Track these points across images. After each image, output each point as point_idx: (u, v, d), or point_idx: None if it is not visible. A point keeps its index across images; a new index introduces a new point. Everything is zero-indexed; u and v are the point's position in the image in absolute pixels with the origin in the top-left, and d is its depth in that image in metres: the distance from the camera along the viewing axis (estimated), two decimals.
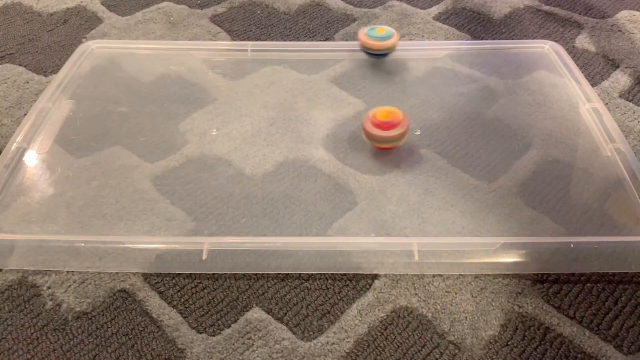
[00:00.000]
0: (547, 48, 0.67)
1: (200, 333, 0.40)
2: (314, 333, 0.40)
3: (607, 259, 0.44)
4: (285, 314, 0.42)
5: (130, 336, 0.40)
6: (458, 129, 0.56)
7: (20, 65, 0.66)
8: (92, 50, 0.66)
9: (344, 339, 0.40)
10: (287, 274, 0.44)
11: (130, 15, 0.75)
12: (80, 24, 0.73)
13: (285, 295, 0.43)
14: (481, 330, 0.40)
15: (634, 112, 0.59)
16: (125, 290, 0.43)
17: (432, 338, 0.40)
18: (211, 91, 0.61)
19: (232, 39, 0.71)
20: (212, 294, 0.43)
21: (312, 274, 0.44)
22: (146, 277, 0.44)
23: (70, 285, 0.43)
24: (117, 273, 0.44)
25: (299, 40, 0.70)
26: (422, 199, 0.49)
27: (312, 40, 0.70)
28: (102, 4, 0.77)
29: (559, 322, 0.41)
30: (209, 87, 0.61)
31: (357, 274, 0.44)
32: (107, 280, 0.44)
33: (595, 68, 0.66)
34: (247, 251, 0.44)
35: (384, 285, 0.43)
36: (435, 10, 0.76)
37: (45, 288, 0.43)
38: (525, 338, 0.40)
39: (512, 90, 0.61)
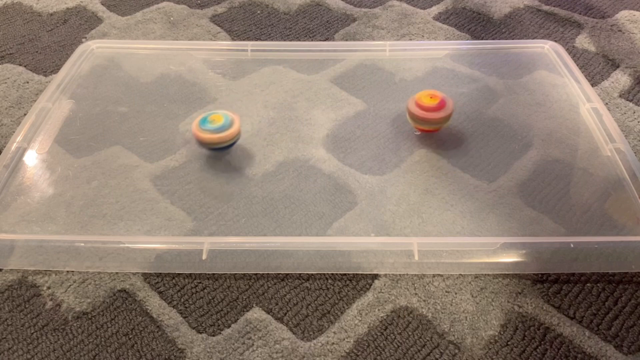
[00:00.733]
0: (547, 48, 0.67)
1: (200, 333, 0.40)
2: (314, 333, 0.40)
3: (607, 259, 0.44)
4: (285, 314, 0.42)
5: (130, 336, 0.40)
6: (458, 129, 0.56)
7: (20, 65, 0.66)
8: (92, 50, 0.66)
9: (344, 339, 0.40)
10: (287, 274, 0.44)
11: (130, 15, 0.75)
12: (80, 24, 0.73)
13: (285, 295, 0.43)
14: (481, 330, 0.40)
15: (634, 112, 0.59)
16: (125, 290, 0.43)
17: (432, 338, 0.40)
18: (211, 91, 0.61)
19: (232, 39, 0.71)
20: (212, 294, 0.43)
21: (312, 274, 0.44)
22: (146, 277, 0.44)
23: (70, 285, 0.43)
24: (117, 273, 0.44)
25: (299, 40, 0.70)
26: (422, 199, 0.49)
27: (312, 40, 0.70)
28: (102, 4, 0.77)
29: (559, 322, 0.41)
30: (209, 87, 0.61)
31: (357, 274, 0.44)
32: (107, 280, 0.44)
33: (595, 68, 0.66)
34: (247, 251, 0.44)
35: (384, 285, 0.43)
36: (435, 10, 0.76)
37: (45, 288, 0.43)
38: (525, 338, 0.40)
39: (512, 90, 0.61)
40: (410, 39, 0.70)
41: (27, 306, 0.42)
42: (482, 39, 0.70)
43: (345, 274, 0.44)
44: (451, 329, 0.40)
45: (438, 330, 0.40)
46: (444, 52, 0.66)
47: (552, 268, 0.44)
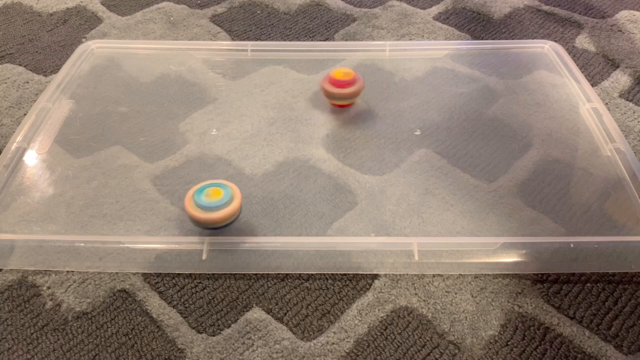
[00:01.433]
0: (547, 48, 0.67)
1: (200, 333, 0.40)
2: (314, 333, 0.40)
3: (607, 259, 0.44)
4: (285, 314, 0.42)
5: (130, 336, 0.40)
6: (458, 129, 0.56)
7: (20, 65, 0.66)
8: (92, 50, 0.66)
9: (344, 339, 0.40)
10: (287, 274, 0.44)
11: (130, 15, 0.75)
12: (80, 24, 0.73)
13: (285, 295, 0.43)
14: (481, 330, 0.40)
15: (634, 112, 0.59)
16: (125, 290, 0.43)
17: (432, 338, 0.40)
18: (211, 91, 0.61)
19: (232, 39, 0.71)
20: (212, 294, 0.43)
21: (312, 274, 0.44)
22: (146, 277, 0.44)
23: (70, 285, 0.43)
24: (117, 273, 0.44)
25: (299, 40, 0.70)
26: (422, 199, 0.49)
27: (312, 40, 0.70)
28: (102, 4, 0.77)
29: (559, 322, 0.41)
30: (209, 87, 0.61)
31: (357, 274, 0.44)
32: (107, 280, 0.44)
33: (595, 68, 0.66)
34: (247, 251, 0.44)
35: (384, 285, 0.43)
36: (435, 10, 0.76)
37: (45, 288, 0.43)
38: (525, 338, 0.40)
39: (512, 90, 0.61)
40: (410, 39, 0.70)
41: (27, 306, 0.42)
42: (482, 39, 0.70)
43: (345, 274, 0.44)
44: (451, 329, 0.40)
45: (438, 330, 0.40)
46: (444, 52, 0.66)
47: (552, 268, 0.44)
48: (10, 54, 0.68)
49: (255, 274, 0.44)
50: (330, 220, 0.47)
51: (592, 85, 0.62)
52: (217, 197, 0.42)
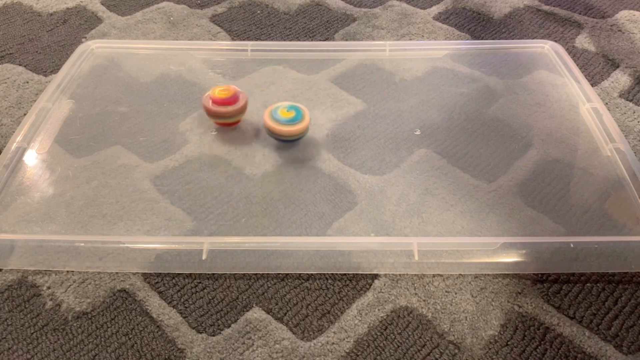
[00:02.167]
0: (547, 48, 0.67)
1: (200, 333, 0.40)
2: (314, 333, 0.40)
3: (607, 259, 0.44)
4: (285, 313, 0.42)
5: (130, 336, 0.40)
6: (458, 129, 0.56)
7: (20, 65, 0.66)
8: (92, 50, 0.66)
9: (344, 339, 0.40)
10: (287, 274, 0.44)
11: (130, 15, 0.75)
12: (80, 24, 0.73)
13: (285, 295, 0.43)
14: (481, 330, 0.40)
15: (634, 112, 0.59)
16: (125, 290, 0.43)
17: (432, 338, 0.40)
18: None
19: (232, 39, 0.71)
20: (212, 294, 0.43)
21: (312, 274, 0.44)
22: (146, 277, 0.44)
23: (70, 285, 0.43)
24: (117, 273, 0.44)
25: (299, 40, 0.70)
26: (422, 199, 0.49)
27: (312, 40, 0.70)
28: (102, 4, 0.77)
29: (559, 322, 0.41)
30: (209, 87, 0.61)
31: (357, 273, 0.44)
32: (107, 280, 0.44)
33: (595, 68, 0.66)
34: (247, 251, 0.44)
35: (384, 285, 0.43)
36: (435, 10, 0.76)
37: (45, 288, 0.43)
38: (525, 338, 0.40)
39: (512, 90, 0.61)
40: (410, 39, 0.70)
41: (27, 306, 0.42)
42: (482, 39, 0.70)
43: (345, 274, 0.44)
44: (451, 329, 0.40)
45: (438, 330, 0.40)
46: (444, 52, 0.66)
47: (552, 268, 0.44)
48: (10, 54, 0.68)
49: (255, 274, 0.44)
50: (330, 220, 0.47)
51: (592, 85, 0.62)
52: (292, 114, 0.52)
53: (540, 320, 0.41)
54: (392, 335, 0.40)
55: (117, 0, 0.78)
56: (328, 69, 0.64)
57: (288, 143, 0.54)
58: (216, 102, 0.53)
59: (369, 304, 0.42)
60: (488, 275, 0.44)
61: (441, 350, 0.39)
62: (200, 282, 0.43)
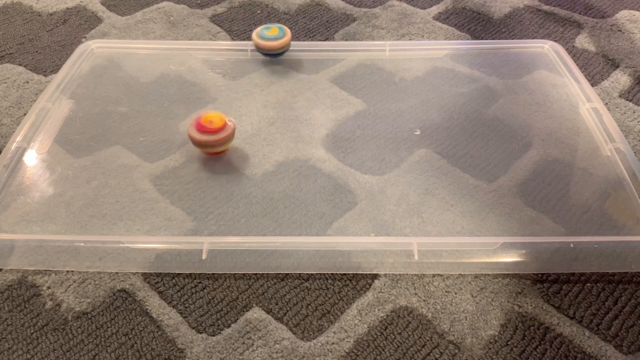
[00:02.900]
0: (547, 48, 0.67)
1: (200, 333, 0.40)
2: (313, 333, 0.40)
3: (607, 259, 0.44)
4: (285, 313, 0.42)
5: (130, 336, 0.40)
6: (458, 129, 0.56)
7: (20, 65, 0.66)
8: (92, 50, 0.66)
9: (343, 339, 0.40)
10: (287, 274, 0.44)
11: (130, 15, 0.75)
12: (80, 24, 0.73)
13: (285, 295, 0.43)
14: (481, 330, 0.40)
15: (634, 112, 0.59)
16: (125, 290, 0.43)
17: (432, 338, 0.40)
18: (211, 91, 0.61)
19: (232, 39, 0.71)
20: (212, 294, 0.43)
21: (312, 274, 0.44)
22: (146, 277, 0.44)
23: (70, 285, 0.43)
24: (117, 273, 0.44)
25: (299, 40, 0.70)
26: (422, 199, 0.49)
27: (312, 40, 0.70)
28: (102, 4, 0.77)
29: (558, 322, 0.41)
30: (209, 87, 0.61)
31: (357, 273, 0.44)
32: (107, 280, 0.44)
33: (595, 68, 0.66)
34: (247, 251, 0.44)
35: (384, 285, 0.43)
36: (435, 10, 0.76)
37: (45, 288, 0.43)
38: (525, 338, 0.40)
39: (512, 90, 0.61)
40: (410, 39, 0.70)
41: (27, 306, 0.42)
42: (482, 39, 0.70)
43: (345, 274, 0.44)
44: (451, 329, 0.40)
45: (438, 330, 0.40)
46: (443, 52, 0.66)
47: (552, 268, 0.44)
48: (10, 53, 0.68)
49: (255, 274, 0.44)
50: (330, 220, 0.47)
51: (592, 85, 0.62)
52: (276, 32, 0.62)
53: (540, 320, 0.41)
54: (392, 335, 0.40)
55: (117, 0, 0.78)
56: (328, 69, 0.64)
57: (273, 57, 0.63)
58: (200, 129, 0.50)
59: (369, 304, 0.42)
60: (488, 275, 0.44)
61: (441, 350, 0.39)
62: (200, 282, 0.43)
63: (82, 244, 0.44)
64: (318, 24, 0.73)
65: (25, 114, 0.58)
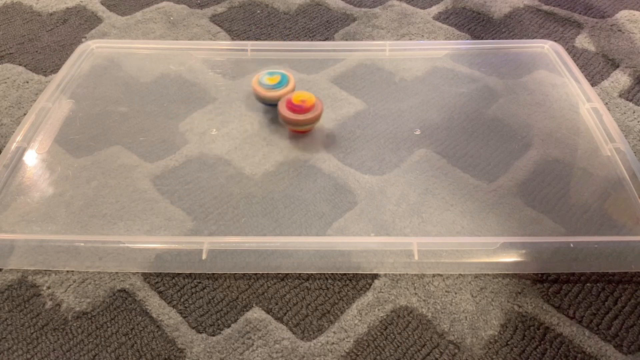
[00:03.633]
0: (546, 48, 0.67)
1: (200, 333, 0.40)
2: (313, 333, 0.40)
3: (607, 259, 0.44)
4: (285, 313, 0.42)
5: (130, 336, 0.40)
6: (458, 129, 0.56)
7: (20, 65, 0.66)
8: (92, 50, 0.66)
9: (343, 339, 0.40)
10: (287, 274, 0.44)
11: (130, 15, 0.75)
12: (80, 24, 0.73)
13: (285, 295, 0.43)
14: (481, 330, 0.40)
15: (634, 112, 0.59)
16: (125, 290, 0.43)
17: (432, 338, 0.40)
18: (211, 91, 0.61)
19: (232, 39, 0.71)
20: (212, 294, 0.43)
21: (312, 274, 0.44)
22: (146, 276, 0.44)
23: (70, 285, 0.43)
24: (117, 273, 0.44)
25: (299, 40, 0.70)
26: (422, 199, 0.49)
27: (312, 40, 0.70)
28: (102, 4, 0.77)
29: (558, 322, 0.41)
30: (209, 87, 0.61)
31: (357, 273, 0.44)
32: (107, 280, 0.44)
33: (595, 68, 0.66)
34: (247, 251, 0.44)
35: (384, 285, 0.43)
36: (435, 10, 0.76)
37: (45, 288, 0.43)
38: (525, 338, 0.40)
39: (512, 90, 0.61)
40: (410, 39, 0.70)
41: (27, 306, 0.42)
42: (482, 39, 0.70)
43: (345, 274, 0.44)
44: (451, 329, 0.40)
45: (438, 330, 0.40)
46: (444, 52, 0.66)
47: (552, 268, 0.44)
48: (10, 53, 0.68)
49: (255, 274, 0.44)
50: (330, 220, 0.47)
51: (592, 85, 0.62)
52: (277, 80, 0.55)
53: (540, 320, 0.41)
54: (392, 335, 0.40)
55: (117, 0, 0.78)
56: (328, 69, 0.64)
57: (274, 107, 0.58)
58: (291, 108, 0.52)
59: (369, 304, 0.42)
60: (488, 275, 0.44)
61: (441, 350, 0.39)
62: (200, 282, 0.43)
63: (82, 244, 0.44)
64: (318, 24, 0.73)
65: (25, 114, 0.58)
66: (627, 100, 0.61)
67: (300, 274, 0.44)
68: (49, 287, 0.43)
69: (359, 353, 0.39)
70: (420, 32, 0.71)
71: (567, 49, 0.67)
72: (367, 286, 0.43)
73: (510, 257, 0.44)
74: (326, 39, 0.71)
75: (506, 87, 0.61)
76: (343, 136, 0.55)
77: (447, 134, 0.55)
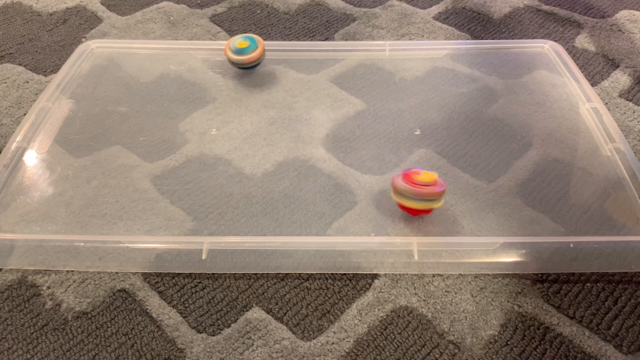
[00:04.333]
0: (546, 48, 0.67)
1: (200, 333, 0.40)
2: (313, 333, 0.40)
3: (607, 259, 0.44)
4: (285, 313, 0.42)
5: (130, 336, 0.40)
6: (458, 129, 0.56)
7: (20, 65, 0.66)
8: (92, 50, 0.66)
9: (343, 339, 0.40)
10: (287, 274, 0.44)
11: (130, 15, 0.75)
12: (80, 24, 0.73)
13: (285, 295, 0.43)
14: (481, 330, 0.40)
15: (634, 112, 0.59)
16: (125, 290, 0.43)
17: (432, 338, 0.40)
18: (211, 91, 0.61)
19: None
20: (212, 294, 0.43)
21: (312, 274, 0.44)
22: (146, 276, 0.44)
23: (70, 285, 0.43)
24: (117, 273, 0.44)
25: (299, 40, 0.70)
26: None
27: (312, 40, 0.70)
28: (102, 4, 0.77)
29: (558, 322, 0.41)
30: (209, 87, 0.61)
31: (357, 273, 0.44)
32: (107, 280, 0.44)
33: (595, 68, 0.66)
34: (247, 251, 0.44)
35: (384, 285, 0.43)
36: (435, 10, 0.76)
37: (45, 288, 0.43)
38: (525, 338, 0.40)
39: (512, 90, 0.61)
40: (410, 39, 0.70)
41: (27, 306, 0.42)
42: (482, 39, 0.70)
43: (345, 274, 0.44)
44: (451, 329, 0.40)
45: (438, 330, 0.40)
46: (443, 52, 0.66)
47: (552, 268, 0.44)
48: (10, 53, 0.68)
49: (255, 274, 0.44)
50: (330, 220, 0.47)
51: (592, 85, 0.62)
52: (246, 45, 0.59)
53: (540, 320, 0.41)
54: (392, 335, 0.40)
55: (117, 0, 0.78)
56: (328, 69, 0.64)
57: (246, 69, 0.62)
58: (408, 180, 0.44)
59: (369, 304, 0.42)
60: (488, 275, 0.44)
61: (441, 350, 0.39)
62: (200, 282, 0.43)
63: (82, 244, 0.44)
64: (318, 24, 0.73)
65: (25, 114, 0.58)
66: (627, 100, 0.61)
67: (300, 274, 0.44)
68: (49, 287, 0.43)
69: (359, 353, 0.39)
70: (420, 32, 0.71)
71: (567, 49, 0.67)
72: (367, 286, 0.43)
73: (510, 257, 0.44)
74: (326, 39, 0.71)
75: (506, 87, 0.61)
76: (343, 136, 0.55)
77: (447, 134, 0.55)
